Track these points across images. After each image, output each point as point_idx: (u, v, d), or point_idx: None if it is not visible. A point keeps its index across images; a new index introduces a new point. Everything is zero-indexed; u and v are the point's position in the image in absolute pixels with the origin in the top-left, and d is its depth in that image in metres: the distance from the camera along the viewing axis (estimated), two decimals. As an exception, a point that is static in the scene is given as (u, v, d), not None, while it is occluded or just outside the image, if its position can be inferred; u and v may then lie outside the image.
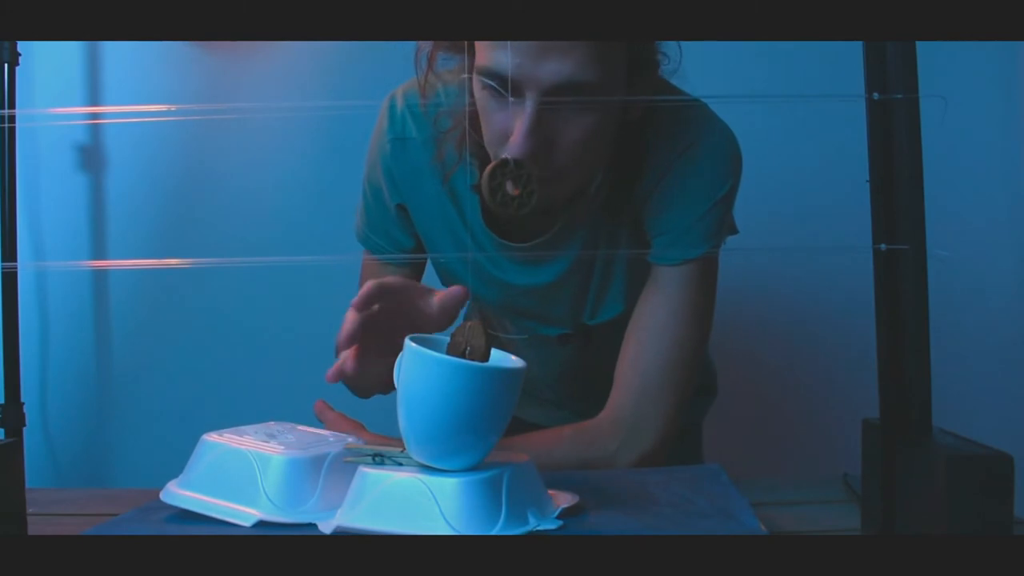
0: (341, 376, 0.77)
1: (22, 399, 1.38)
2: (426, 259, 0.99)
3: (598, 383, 0.99)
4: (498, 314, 1.00)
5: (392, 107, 0.92)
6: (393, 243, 0.97)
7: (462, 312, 0.99)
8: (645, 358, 0.89)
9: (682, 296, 0.88)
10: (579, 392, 1.07)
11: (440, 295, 0.78)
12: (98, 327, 1.61)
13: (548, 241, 0.91)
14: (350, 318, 0.75)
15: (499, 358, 0.69)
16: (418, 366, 0.65)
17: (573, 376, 1.04)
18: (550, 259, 0.92)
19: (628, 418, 0.89)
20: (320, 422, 0.88)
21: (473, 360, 0.66)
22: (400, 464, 0.67)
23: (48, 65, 1.55)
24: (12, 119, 1.38)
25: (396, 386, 0.67)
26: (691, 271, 0.89)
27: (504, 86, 0.75)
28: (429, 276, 1.00)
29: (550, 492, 0.71)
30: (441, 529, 0.62)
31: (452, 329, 0.69)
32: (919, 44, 0.60)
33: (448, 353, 0.67)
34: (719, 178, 0.88)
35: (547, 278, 0.93)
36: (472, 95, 0.81)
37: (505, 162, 0.75)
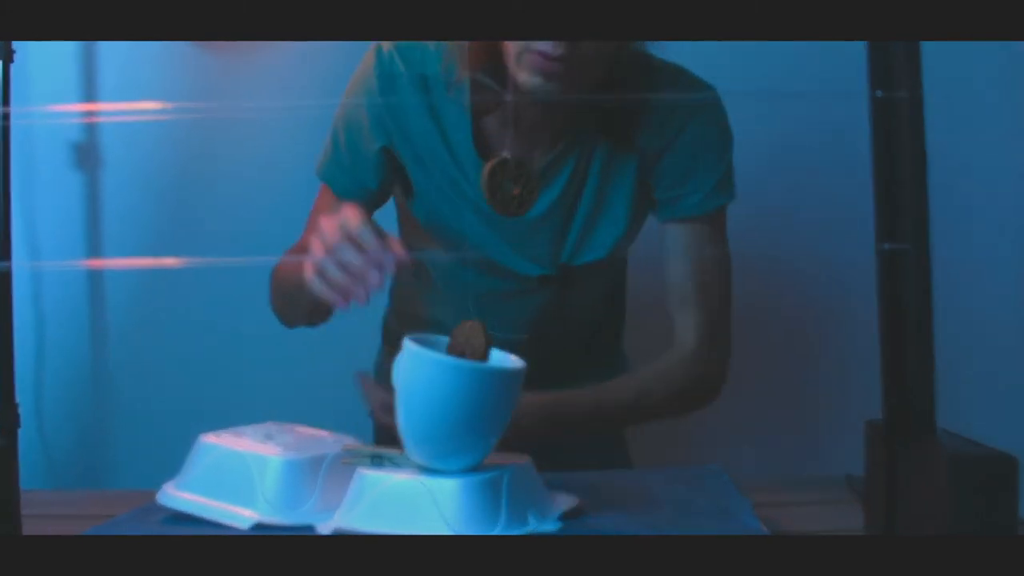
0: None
1: (17, 400, 1.37)
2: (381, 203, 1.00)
3: (567, 337, 1.02)
4: (480, 245, 0.98)
5: (379, 49, 0.93)
6: (357, 183, 0.96)
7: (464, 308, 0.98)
8: (696, 294, 0.97)
9: (713, 242, 0.97)
10: (547, 344, 1.05)
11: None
12: (94, 327, 1.60)
13: (541, 170, 0.91)
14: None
15: (499, 358, 0.68)
16: (417, 366, 0.65)
17: (544, 325, 1.03)
18: (541, 189, 0.92)
19: (699, 346, 0.97)
20: (364, 395, 0.90)
21: (473, 360, 0.66)
22: (399, 465, 0.67)
23: (43, 62, 1.54)
24: (7, 117, 1.37)
25: (395, 386, 0.66)
26: (715, 219, 0.97)
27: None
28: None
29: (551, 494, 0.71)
30: (440, 531, 0.62)
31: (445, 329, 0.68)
32: (923, 42, 0.59)
33: (448, 353, 0.66)
34: (725, 134, 0.95)
35: (536, 210, 0.92)
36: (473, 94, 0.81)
37: (505, 161, 0.75)
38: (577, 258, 0.97)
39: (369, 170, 0.96)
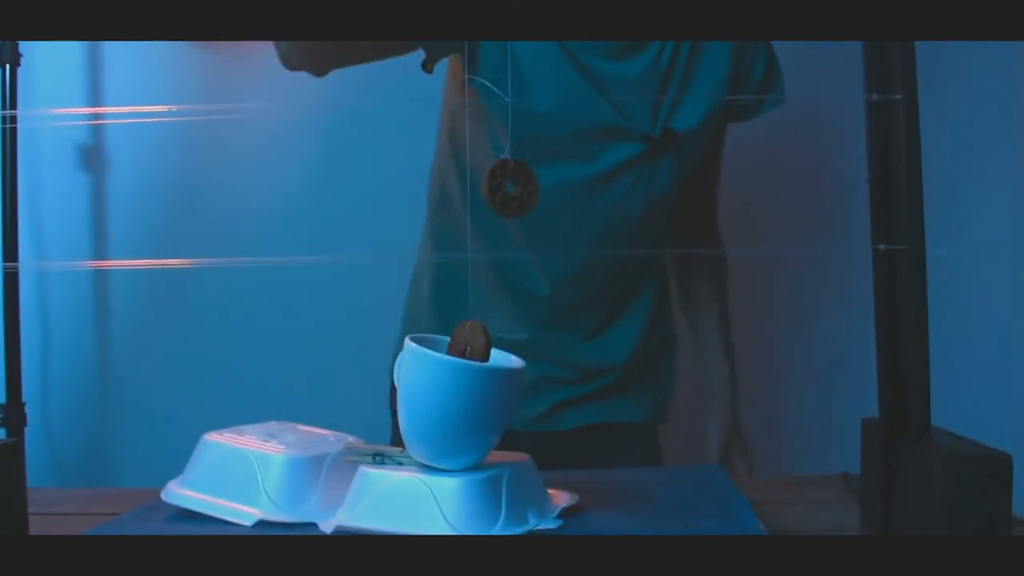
0: None
1: (23, 398, 1.38)
2: None
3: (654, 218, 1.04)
4: (584, 103, 0.98)
5: None
6: None
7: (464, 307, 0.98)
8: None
9: None
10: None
11: None
12: (99, 327, 1.61)
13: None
14: None
15: (499, 358, 0.69)
16: (418, 366, 0.65)
17: (635, 205, 1.02)
18: (634, 51, 0.95)
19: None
20: None
21: (473, 360, 0.66)
22: (400, 464, 0.67)
23: (50, 65, 1.55)
24: (14, 119, 1.38)
25: (396, 386, 0.67)
26: None
27: None
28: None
29: (550, 492, 0.71)
30: (441, 529, 0.62)
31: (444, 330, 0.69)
32: (918, 44, 0.60)
33: (448, 353, 0.67)
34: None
35: (633, 70, 0.96)
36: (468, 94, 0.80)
37: (505, 162, 0.75)
38: (675, 120, 0.98)
39: None
